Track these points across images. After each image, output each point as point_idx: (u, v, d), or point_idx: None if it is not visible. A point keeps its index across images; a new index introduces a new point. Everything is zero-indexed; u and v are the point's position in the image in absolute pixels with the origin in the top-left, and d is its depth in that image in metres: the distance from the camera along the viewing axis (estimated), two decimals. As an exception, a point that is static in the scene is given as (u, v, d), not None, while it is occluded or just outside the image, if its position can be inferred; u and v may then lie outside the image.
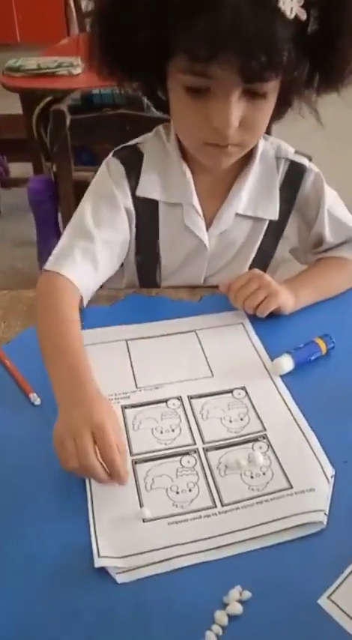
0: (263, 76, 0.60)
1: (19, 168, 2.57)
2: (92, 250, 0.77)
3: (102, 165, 0.83)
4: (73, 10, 3.23)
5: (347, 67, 0.64)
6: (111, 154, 0.83)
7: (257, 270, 0.79)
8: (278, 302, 0.76)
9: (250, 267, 0.89)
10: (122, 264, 0.87)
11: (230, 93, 0.62)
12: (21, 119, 2.09)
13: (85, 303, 0.78)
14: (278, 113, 0.72)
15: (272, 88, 0.64)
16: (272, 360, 0.71)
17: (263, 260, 0.90)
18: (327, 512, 0.53)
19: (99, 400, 0.58)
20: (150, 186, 0.81)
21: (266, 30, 0.56)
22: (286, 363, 0.70)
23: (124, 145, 0.84)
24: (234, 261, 0.88)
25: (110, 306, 0.83)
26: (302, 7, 0.57)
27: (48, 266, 0.76)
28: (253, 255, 0.88)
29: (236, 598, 0.47)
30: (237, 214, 0.83)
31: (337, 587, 0.49)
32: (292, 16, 0.57)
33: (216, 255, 0.87)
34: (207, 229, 0.84)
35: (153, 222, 0.84)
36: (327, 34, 0.61)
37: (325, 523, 0.53)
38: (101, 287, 0.89)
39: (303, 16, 0.58)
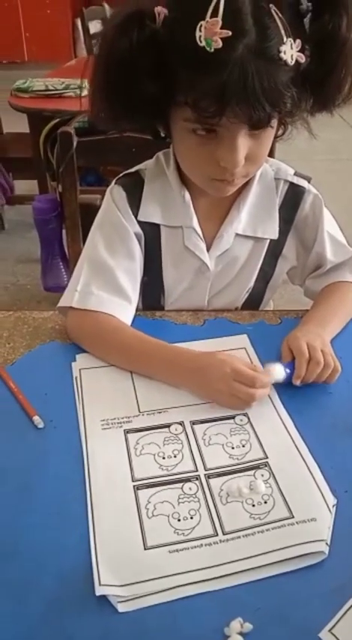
0: (268, 121, 0.63)
1: (24, 186, 2.60)
2: (113, 282, 0.79)
3: (107, 194, 0.85)
4: (81, 31, 3.29)
5: (340, 93, 0.66)
6: (113, 182, 0.85)
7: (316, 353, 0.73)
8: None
9: (253, 286, 0.90)
10: None
11: (236, 135, 0.64)
12: (28, 138, 2.13)
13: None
14: (278, 135, 0.74)
15: (274, 122, 0.67)
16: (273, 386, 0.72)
17: (264, 279, 0.91)
18: (329, 543, 0.53)
19: (218, 356, 0.70)
20: (151, 211, 0.83)
21: (271, 82, 0.58)
22: (277, 370, 0.70)
23: (126, 172, 0.86)
24: (236, 280, 0.89)
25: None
26: (300, 50, 0.60)
27: (76, 304, 0.78)
28: (255, 274, 0.89)
29: (237, 630, 0.47)
30: (237, 234, 0.84)
31: (338, 620, 0.48)
32: (293, 62, 0.59)
33: (219, 275, 0.88)
34: (208, 250, 0.85)
35: (156, 244, 0.85)
36: (322, 67, 0.63)
37: (327, 553, 0.53)
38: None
39: (302, 60, 0.60)
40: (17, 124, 2.35)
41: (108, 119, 0.70)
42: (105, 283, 0.79)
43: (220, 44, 0.56)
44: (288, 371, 0.71)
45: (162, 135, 0.76)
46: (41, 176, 2.25)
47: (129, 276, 0.81)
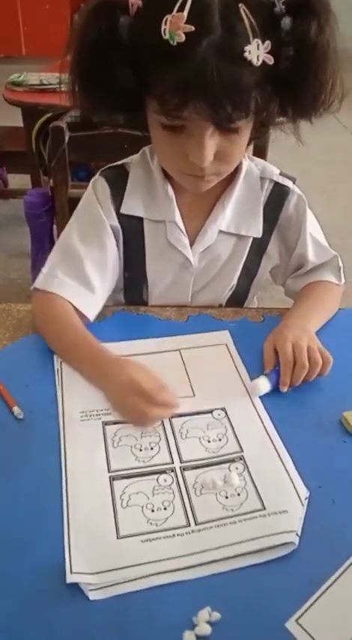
0: (231, 121, 0.63)
1: (18, 180, 2.60)
2: (79, 268, 0.80)
3: (89, 186, 0.86)
4: (79, 27, 3.28)
5: (318, 101, 0.66)
6: (98, 173, 0.86)
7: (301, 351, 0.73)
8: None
9: (237, 284, 0.91)
10: None
11: (203, 132, 0.64)
12: (21, 132, 2.12)
13: (91, 319, 0.81)
14: (256, 136, 0.74)
15: (244, 123, 0.66)
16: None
17: (248, 277, 0.92)
18: (299, 534, 0.54)
19: (123, 364, 0.69)
20: (134, 204, 0.83)
21: (232, 81, 0.58)
22: (262, 384, 0.71)
23: (111, 164, 0.86)
24: (219, 277, 0.90)
25: (98, 323, 0.84)
26: (270, 52, 0.59)
27: (38, 284, 0.80)
28: (238, 271, 0.90)
29: (205, 619, 0.47)
30: (221, 231, 0.85)
31: (305, 611, 0.49)
32: (259, 63, 0.59)
33: (202, 271, 0.89)
34: (192, 246, 0.86)
35: (139, 238, 0.86)
36: (296, 73, 0.63)
37: (297, 544, 0.54)
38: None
39: (271, 62, 0.60)
40: (11, 118, 2.35)
41: (88, 110, 0.70)
42: (71, 269, 0.80)
43: (183, 38, 0.57)
44: (273, 381, 0.72)
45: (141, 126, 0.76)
46: (34, 170, 2.25)
47: (98, 267, 0.82)
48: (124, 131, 1.28)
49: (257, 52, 0.59)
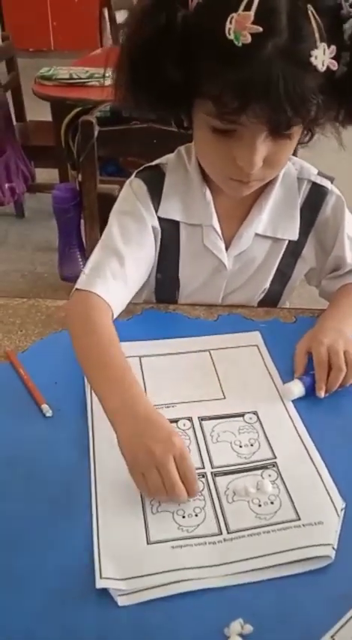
0: (290, 126, 0.61)
1: (46, 174, 2.61)
2: (123, 269, 0.77)
3: (126, 186, 0.84)
4: (107, 21, 3.28)
5: None
6: (133, 174, 0.84)
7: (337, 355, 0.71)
8: None
9: (269, 287, 0.89)
10: None
11: (256, 136, 0.62)
12: (50, 126, 2.13)
13: (114, 317, 0.77)
14: (302, 141, 0.72)
15: (297, 129, 0.64)
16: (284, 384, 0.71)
17: (281, 280, 0.89)
18: (335, 547, 0.52)
19: (163, 419, 0.57)
20: (171, 207, 0.81)
21: (296, 86, 0.56)
22: (296, 388, 0.69)
23: (146, 165, 0.85)
24: (252, 280, 0.88)
25: (127, 320, 0.83)
26: (334, 57, 0.57)
27: (80, 285, 0.75)
28: (272, 274, 0.88)
29: (237, 631, 0.46)
30: (257, 234, 0.83)
31: (341, 627, 0.47)
32: (324, 69, 0.57)
33: (235, 274, 0.87)
34: (227, 249, 0.84)
35: (175, 242, 0.84)
36: None
37: (333, 558, 0.52)
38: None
39: (335, 67, 0.57)
40: (41, 112, 2.36)
41: (131, 107, 0.68)
42: (114, 270, 0.77)
43: (249, 39, 0.54)
44: (307, 385, 0.70)
45: (185, 125, 0.74)
46: (62, 165, 2.26)
47: (137, 265, 0.80)
48: (154, 126, 1.28)
49: (323, 57, 0.56)
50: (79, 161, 1.41)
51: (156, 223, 0.82)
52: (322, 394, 0.69)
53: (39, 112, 2.39)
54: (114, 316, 0.76)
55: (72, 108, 1.79)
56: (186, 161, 0.81)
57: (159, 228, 0.82)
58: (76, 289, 0.75)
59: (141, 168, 0.84)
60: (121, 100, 0.66)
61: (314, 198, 0.83)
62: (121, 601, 0.48)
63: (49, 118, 2.16)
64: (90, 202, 1.37)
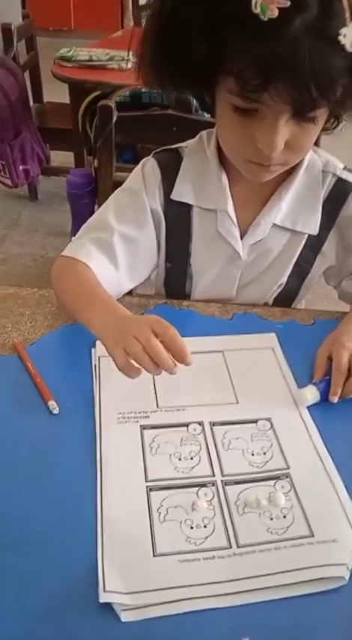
0: (314, 107, 0.58)
1: (61, 157, 2.58)
2: (111, 243, 0.78)
3: (139, 165, 0.82)
4: (130, 2, 3.22)
5: None
6: (151, 154, 0.82)
7: None
8: None
9: (286, 282, 0.86)
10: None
11: (278, 117, 0.60)
12: (68, 109, 2.09)
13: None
14: (326, 128, 0.69)
15: (322, 112, 0.62)
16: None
17: (299, 275, 0.86)
18: (350, 567, 0.50)
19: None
20: (184, 191, 0.80)
21: (323, 64, 0.53)
22: (310, 394, 0.67)
23: (165, 147, 0.83)
24: (268, 272, 0.85)
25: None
26: None
27: (65, 252, 0.78)
28: (290, 268, 0.85)
29: (244, 652, 0.44)
30: (275, 225, 0.80)
31: (352, 653, 0.45)
32: None
33: (250, 265, 0.84)
34: (242, 238, 0.81)
35: (187, 227, 0.82)
36: None
37: (347, 579, 0.49)
38: (130, 293, 0.87)
39: None
40: (59, 94, 2.31)
41: (154, 84, 0.65)
42: (100, 242, 0.77)
43: (276, 14, 0.52)
44: (323, 391, 0.67)
45: (208, 106, 0.71)
46: (78, 149, 2.22)
47: (128, 245, 0.79)
48: (174, 113, 1.24)
49: (351, 36, 0.53)
50: (95, 146, 1.38)
51: (159, 207, 0.80)
52: (335, 399, 0.66)
53: (57, 93, 2.34)
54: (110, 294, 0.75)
55: (91, 91, 1.76)
56: (206, 145, 0.79)
57: (161, 213, 0.81)
58: (61, 256, 0.78)
59: (160, 149, 0.82)
60: (144, 77, 0.64)
61: (338, 193, 0.80)
62: (125, 616, 0.46)
63: (66, 100, 2.12)
64: (105, 189, 1.34)
